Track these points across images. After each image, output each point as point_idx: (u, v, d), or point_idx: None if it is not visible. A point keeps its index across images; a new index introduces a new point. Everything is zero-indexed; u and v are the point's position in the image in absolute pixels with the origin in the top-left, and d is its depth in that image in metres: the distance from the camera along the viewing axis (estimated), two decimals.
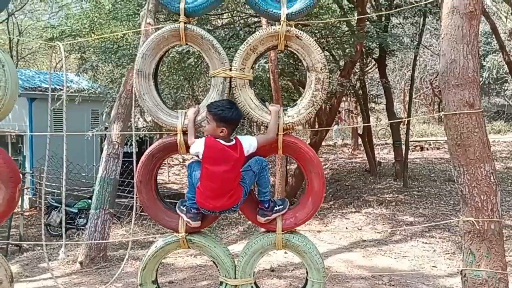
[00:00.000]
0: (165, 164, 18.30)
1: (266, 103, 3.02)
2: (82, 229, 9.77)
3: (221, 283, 3.16)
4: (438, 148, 18.57)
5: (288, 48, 2.99)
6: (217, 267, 3.17)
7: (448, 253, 5.62)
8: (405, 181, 11.06)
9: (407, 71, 23.32)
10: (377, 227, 6.71)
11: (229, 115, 2.84)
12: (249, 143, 2.84)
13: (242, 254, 3.10)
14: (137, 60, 2.99)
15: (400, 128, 12.70)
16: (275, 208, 3.00)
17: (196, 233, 3.10)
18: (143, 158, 3.03)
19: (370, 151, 13.08)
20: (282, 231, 3.04)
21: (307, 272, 3.18)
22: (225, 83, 2.95)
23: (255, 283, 3.16)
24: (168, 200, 3.10)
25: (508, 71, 13.00)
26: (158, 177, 3.42)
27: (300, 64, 9.55)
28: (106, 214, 5.22)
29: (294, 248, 3.08)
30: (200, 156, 2.80)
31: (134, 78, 2.99)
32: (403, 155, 11.52)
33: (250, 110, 2.96)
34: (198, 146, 2.81)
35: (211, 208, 2.84)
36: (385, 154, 17.24)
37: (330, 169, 14.94)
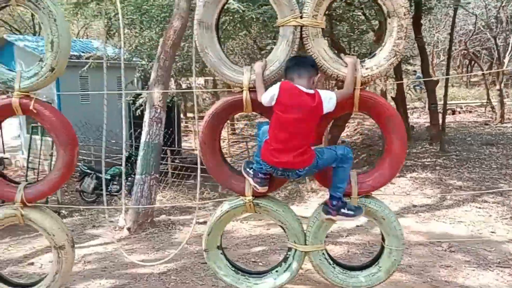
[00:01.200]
0: (191, 130, 18.23)
1: (341, 55, 2.73)
2: (116, 195, 9.83)
3: (290, 249, 2.99)
4: (470, 112, 17.95)
5: None
6: (285, 232, 2.98)
7: (506, 218, 5.33)
8: (442, 145, 10.67)
9: (436, 32, 22.37)
10: (426, 192, 6.45)
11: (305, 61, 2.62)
12: (329, 97, 2.58)
13: (312, 219, 2.90)
14: (198, 9, 2.72)
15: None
16: (342, 210, 2.72)
17: (263, 197, 2.92)
18: (206, 118, 2.82)
19: (404, 114, 12.64)
20: (358, 195, 2.83)
21: (383, 239, 2.98)
22: (296, 33, 2.67)
23: (326, 250, 2.98)
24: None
25: None
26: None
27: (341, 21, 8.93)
28: (152, 180, 5.07)
29: (371, 213, 2.87)
30: (274, 101, 2.56)
31: (195, 30, 2.73)
32: (439, 118, 11.08)
33: (324, 62, 2.68)
34: (272, 90, 2.57)
35: (274, 163, 2.60)
36: (415, 118, 16.75)
37: (361, 134, 14.60)
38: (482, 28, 17.01)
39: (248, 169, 2.84)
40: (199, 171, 2.95)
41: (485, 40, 19.47)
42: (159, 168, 5.12)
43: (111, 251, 4.45)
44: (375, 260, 3.00)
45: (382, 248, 2.97)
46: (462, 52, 25.27)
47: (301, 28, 2.66)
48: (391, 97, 14.26)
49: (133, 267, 3.92)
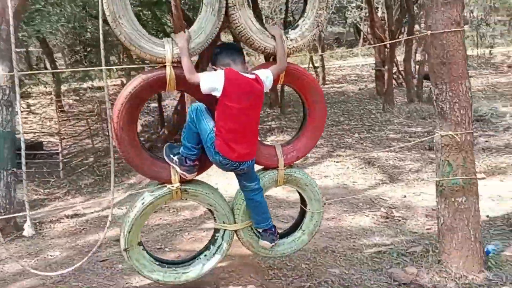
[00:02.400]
0: None
1: (266, 25, 2.63)
2: None
3: (217, 230, 2.88)
4: None
5: None
6: (212, 214, 2.85)
7: (361, 168, 6.13)
8: (283, 108, 11.51)
9: None
10: None
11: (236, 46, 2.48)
12: (266, 75, 2.49)
13: (240, 196, 2.83)
14: None
15: None
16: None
17: (189, 182, 2.70)
18: (122, 100, 2.43)
19: None
20: (284, 166, 2.86)
21: (303, 206, 3.10)
22: (222, 2, 2.46)
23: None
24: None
25: None
26: None
27: None
28: (9, 175, 4.16)
29: (296, 182, 2.94)
30: (219, 92, 2.35)
31: None
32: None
33: (251, 34, 2.55)
34: (214, 80, 2.34)
35: (235, 158, 2.45)
36: None
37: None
38: None
39: (171, 156, 2.59)
40: (112, 162, 2.54)
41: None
42: (15, 160, 4.25)
43: None
44: (296, 225, 3.12)
45: (303, 213, 3.10)
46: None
47: None
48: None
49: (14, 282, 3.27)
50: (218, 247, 2.88)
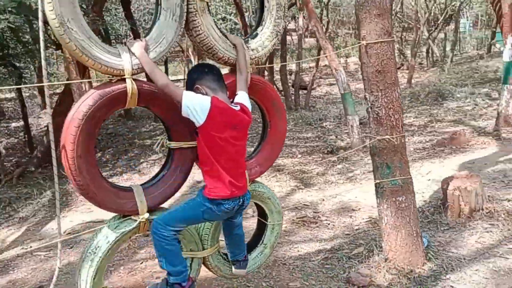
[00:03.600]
0: None
1: (226, 33, 2.44)
2: None
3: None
4: None
5: None
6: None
7: (274, 176, 6.18)
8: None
9: None
10: None
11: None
12: (247, 101, 2.30)
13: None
14: None
15: None
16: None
17: (157, 210, 2.38)
18: (76, 122, 2.02)
19: None
20: (249, 182, 2.69)
21: (262, 219, 2.98)
22: (184, 6, 2.21)
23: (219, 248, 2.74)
24: None
25: None
26: None
27: None
28: None
29: (260, 196, 2.83)
30: (202, 120, 2.07)
31: None
32: None
33: (214, 43, 2.35)
34: (201, 103, 2.06)
35: (237, 193, 2.24)
36: None
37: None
38: None
39: None
40: (57, 195, 2.08)
41: None
42: None
43: None
44: (257, 240, 2.98)
45: (263, 226, 2.97)
46: None
47: (187, 1, 2.23)
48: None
49: None
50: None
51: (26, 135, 11.15)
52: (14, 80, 10.18)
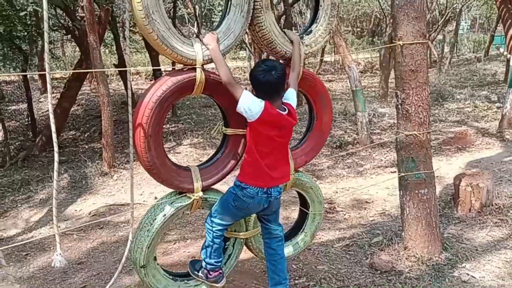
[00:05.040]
0: None
1: (285, 30, 2.61)
2: None
3: (227, 239, 2.77)
4: None
5: None
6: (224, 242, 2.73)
7: None
8: (174, 111, 11.28)
9: None
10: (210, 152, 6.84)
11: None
12: (294, 99, 2.47)
13: None
14: None
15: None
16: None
17: (209, 191, 2.56)
18: (151, 105, 2.18)
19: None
20: (294, 170, 2.88)
21: (304, 208, 3.16)
22: (251, 3, 2.38)
23: None
24: None
25: None
26: None
27: None
28: None
29: (302, 185, 2.99)
30: (253, 119, 2.26)
31: None
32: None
33: (275, 38, 2.52)
34: (256, 105, 2.25)
35: (269, 183, 2.39)
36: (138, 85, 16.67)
37: (79, 105, 13.46)
38: None
39: (196, 272, 2.58)
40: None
41: None
42: None
43: None
44: (299, 228, 3.16)
45: (304, 215, 3.16)
46: None
47: None
48: (114, 64, 13.79)
49: None
50: (229, 255, 2.78)
51: (29, 119, 11.17)
52: (20, 63, 10.19)
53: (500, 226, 4.04)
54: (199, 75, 2.26)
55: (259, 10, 2.42)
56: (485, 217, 4.21)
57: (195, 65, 2.25)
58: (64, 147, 9.04)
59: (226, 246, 2.78)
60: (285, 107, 2.39)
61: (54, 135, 1.99)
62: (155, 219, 2.40)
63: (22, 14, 6.84)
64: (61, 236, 4.16)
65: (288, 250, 3.02)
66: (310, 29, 2.75)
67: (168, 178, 2.35)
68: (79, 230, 4.23)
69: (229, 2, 2.35)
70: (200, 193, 2.47)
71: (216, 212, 2.45)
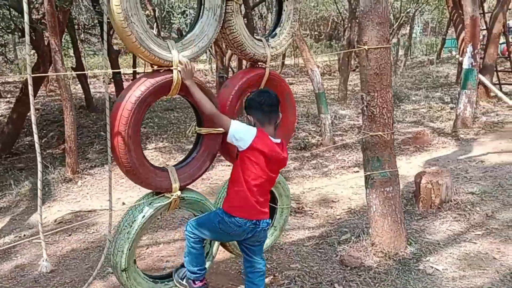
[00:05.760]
0: None
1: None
2: None
3: (203, 239, 2.78)
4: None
5: None
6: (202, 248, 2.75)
7: None
8: None
9: None
10: (177, 156, 6.80)
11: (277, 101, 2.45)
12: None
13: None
14: None
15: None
16: None
17: (186, 190, 2.60)
18: (130, 106, 2.19)
19: (87, 84, 12.23)
20: None
21: (273, 203, 3.22)
22: (223, 7, 2.43)
23: None
24: None
25: None
26: None
27: None
28: None
29: None
30: (244, 147, 2.30)
31: None
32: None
33: (244, 40, 2.59)
34: (246, 133, 2.30)
35: (254, 215, 2.40)
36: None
37: (37, 109, 12.98)
38: None
39: (180, 280, 2.60)
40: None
41: None
42: None
43: None
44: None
45: (273, 210, 3.23)
46: None
47: (226, 3, 2.44)
48: (71, 67, 13.40)
49: None
50: (207, 253, 2.81)
51: None
52: None
53: (459, 220, 4.27)
54: (175, 76, 2.28)
55: (230, 13, 2.48)
56: (445, 212, 4.44)
57: (171, 66, 2.27)
58: (21, 154, 8.71)
59: (203, 245, 2.80)
60: (279, 139, 2.43)
61: (36, 136, 1.93)
62: (134, 220, 2.40)
63: None
64: (29, 244, 4.04)
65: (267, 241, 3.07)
66: (274, 32, 2.83)
67: (147, 178, 2.36)
68: (46, 238, 4.11)
69: (202, 6, 2.39)
70: (178, 193, 2.49)
71: (199, 225, 2.46)
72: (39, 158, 1.97)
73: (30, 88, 1.91)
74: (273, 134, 2.40)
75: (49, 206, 5.08)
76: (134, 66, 11.54)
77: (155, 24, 14.48)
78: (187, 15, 20.50)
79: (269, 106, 2.37)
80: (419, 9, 17.90)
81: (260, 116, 2.36)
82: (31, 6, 8.27)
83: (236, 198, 2.38)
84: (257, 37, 2.70)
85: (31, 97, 1.94)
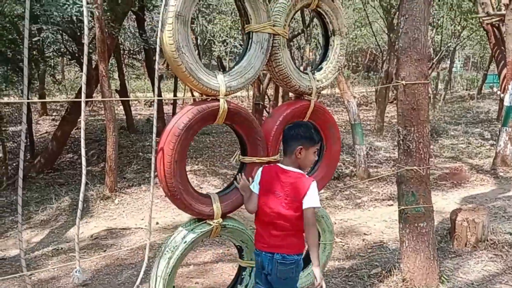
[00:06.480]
0: None
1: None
2: None
3: (243, 269, 2.85)
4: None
5: (318, 9, 2.83)
6: (241, 252, 2.81)
7: None
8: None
9: None
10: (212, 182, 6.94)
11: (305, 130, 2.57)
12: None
13: None
14: (176, 0, 2.19)
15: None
16: None
17: (228, 218, 2.67)
18: (178, 132, 2.31)
19: (129, 106, 12.70)
20: None
21: None
22: (270, 41, 2.56)
23: None
24: None
25: None
26: None
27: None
28: None
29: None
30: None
31: (170, 25, 2.19)
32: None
33: (290, 73, 2.70)
34: (256, 179, 2.62)
35: (265, 249, 2.52)
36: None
37: (77, 128, 13.58)
38: None
39: None
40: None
41: None
42: None
43: None
44: (309, 258, 3.24)
45: None
46: None
47: (273, 37, 2.58)
48: (115, 89, 14.00)
49: None
50: (246, 286, 2.84)
51: (28, 141, 11.23)
52: (21, 85, 10.35)
53: (495, 261, 4.15)
54: (222, 105, 2.41)
55: (277, 47, 2.60)
56: (480, 252, 4.32)
57: (219, 95, 2.41)
58: (62, 170, 9.10)
59: (242, 276, 2.84)
60: (293, 167, 2.46)
61: (83, 150, 2.07)
62: (176, 246, 2.47)
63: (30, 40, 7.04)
64: (66, 257, 4.21)
65: (301, 280, 3.09)
66: (320, 66, 2.93)
67: (190, 204, 2.44)
68: (82, 253, 4.28)
69: (250, 40, 2.52)
70: (220, 220, 2.56)
71: None
72: (84, 176, 2.06)
73: (83, 113, 2.06)
74: (288, 163, 2.47)
75: (86, 222, 5.28)
76: (175, 91, 11.93)
77: (196, 51, 15.02)
78: (227, 44, 21.07)
79: (286, 138, 2.52)
80: (460, 43, 17.72)
81: (283, 147, 2.53)
82: (81, 32, 8.78)
83: (255, 231, 2.57)
84: (303, 71, 2.81)
85: (82, 123, 2.09)
